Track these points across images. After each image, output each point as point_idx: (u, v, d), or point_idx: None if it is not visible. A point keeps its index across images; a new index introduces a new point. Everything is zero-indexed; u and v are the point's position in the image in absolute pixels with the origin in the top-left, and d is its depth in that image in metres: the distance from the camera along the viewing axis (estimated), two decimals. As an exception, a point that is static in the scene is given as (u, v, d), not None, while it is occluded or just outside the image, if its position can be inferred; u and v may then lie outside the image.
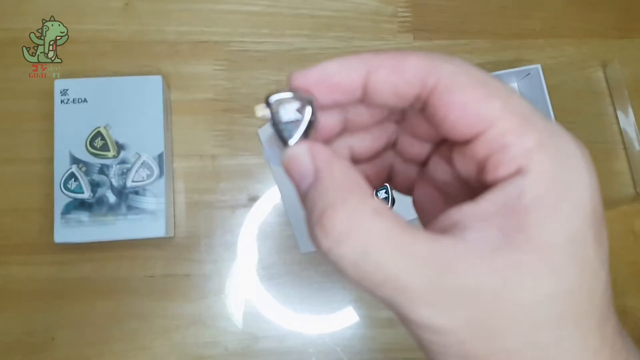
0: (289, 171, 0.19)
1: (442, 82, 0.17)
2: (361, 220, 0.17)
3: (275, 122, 0.18)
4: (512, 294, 0.16)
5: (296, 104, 0.18)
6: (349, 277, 0.17)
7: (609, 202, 0.55)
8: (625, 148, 0.56)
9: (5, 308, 0.49)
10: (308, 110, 0.18)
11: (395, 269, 0.16)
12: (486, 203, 0.17)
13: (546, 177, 0.16)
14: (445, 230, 0.17)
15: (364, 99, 0.19)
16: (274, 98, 0.18)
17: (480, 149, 0.17)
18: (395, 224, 0.17)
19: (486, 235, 0.16)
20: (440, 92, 0.17)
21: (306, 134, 0.19)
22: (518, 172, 0.17)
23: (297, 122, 0.18)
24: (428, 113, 0.18)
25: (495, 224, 0.16)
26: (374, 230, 0.16)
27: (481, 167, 0.18)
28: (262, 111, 0.18)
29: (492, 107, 0.17)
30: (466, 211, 0.17)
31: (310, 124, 0.19)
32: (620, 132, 0.56)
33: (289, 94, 0.19)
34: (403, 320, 0.17)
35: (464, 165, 0.19)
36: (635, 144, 0.54)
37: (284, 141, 0.19)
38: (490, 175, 0.17)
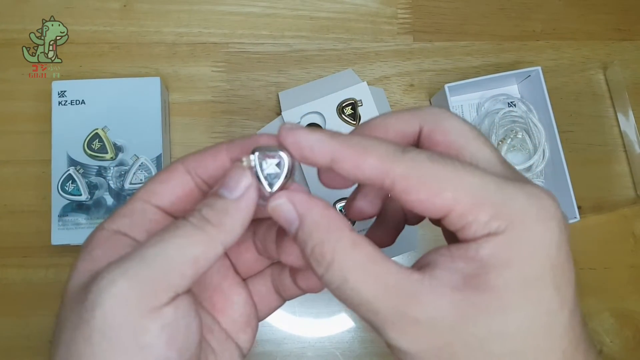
0: (276, 219, 0.21)
1: (397, 185, 0.20)
2: (341, 252, 0.20)
3: (257, 173, 0.21)
4: (469, 328, 0.19)
5: (276, 160, 0.21)
6: (336, 298, 0.20)
7: (609, 204, 0.55)
8: (625, 150, 0.56)
9: (2, 311, 0.49)
10: (286, 167, 0.21)
11: (367, 294, 0.19)
12: (455, 250, 0.20)
13: (501, 238, 0.19)
14: (423, 266, 0.20)
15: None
16: (257, 152, 0.21)
17: (446, 225, 0.20)
18: (370, 255, 0.20)
19: (451, 276, 0.19)
20: (398, 192, 0.20)
21: (283, 186, 0.21)
22: (481, 238, 0.19)
23: (276, 174, 0.21)
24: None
25: (459, 269, 0.19)
26: (351, 261, 0.20)
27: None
28: (247, 162, 0.21)
29: (445, 200, 0.19)
30: (441, 253, 0.20)
31: (287, 178, 0.22)
32: (621, 134, 0.56)
33: (270, 149, 0.21)
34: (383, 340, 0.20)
35: None
36: (636, 146, 0.54)
37: (265, 190, 0.21)
38: (460, 240, 0.20)
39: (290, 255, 0.23)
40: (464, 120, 0.23)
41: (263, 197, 0.22)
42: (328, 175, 0.24)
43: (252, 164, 0.21)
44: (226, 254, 0.27)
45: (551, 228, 0.19)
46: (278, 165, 0.21)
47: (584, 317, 0.21)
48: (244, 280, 0.27)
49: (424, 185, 0.19)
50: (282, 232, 0.24)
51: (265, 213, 0.22)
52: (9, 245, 0.50)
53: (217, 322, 0.25)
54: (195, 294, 0.24)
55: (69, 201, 0.47)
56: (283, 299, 0.27)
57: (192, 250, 0.20)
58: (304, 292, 0.26)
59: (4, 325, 0.49)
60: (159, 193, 0.23)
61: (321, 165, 0.21)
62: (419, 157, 0.20)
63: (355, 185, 0.26)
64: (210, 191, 0.22)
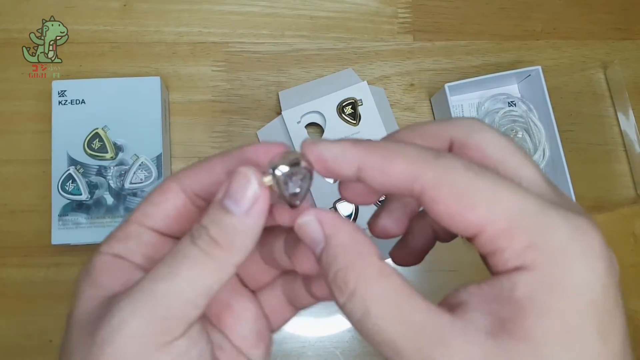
0: (301, 237, 0.20)
1: (426, 193, 0.18)
2: (366, 281, 0.18)
3: (282, 192, 0.20)
4: None
5: (300, 175, 0.20)
6: (358, 331, 0.19)
7: (609, 204, 0.55)
8: (625, 150, 0.56)
9: (2, 310, 0.49)
10: (310, 181, 0.20)
11: (391, 332, 0.17)
12: (488, 288, 0.18)
13: (538, 276, 0.17)
14: (452, 306, 0.18)
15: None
16: (281, 170, 0.19)
17: (476, 245, 0.18)
18: (398, 288, 0.18)
19: (483, 319, 0.17)
20: (428, 202, 0.18)
21: (303, 199, 0.20)
22: (514, 270, 0.17)
23: (300, 188, 0.20)
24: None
25: (493, 311, 0.17)
26: (376, 292, 0.18)
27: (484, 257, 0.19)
28: (270, 181, 0.19)
29: (477, 216, 0.17)
30: (471, 292, 0.18)
31: (307, 191, 0.20)
32: (621, 133, 0.56)
33: (291, 163, 0.20)
34: None
35: None
36: (636, 145, 0.54)
37: (291, 206, 0.20)
38: (492, 269, 0.18)
39: (305, 263, 0.21)
40: (501, 133, 0.21)
41: (284, 203, 0.20)
42: (350, 188, 0.22)
43: (275, 181, 0.20)
44: None
45: (596, 269, 0.17)
46: (302, 179, 0.20)
47: None
48: (254, 292, 0.26)
49: (456, 195, 0.18)
50: (291, 239, 0.22)
51: (271, 221, 0.21)
52: (9, 245, 0.50)
53: (228, 339, 0.24)
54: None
55: (69, 201, 0.47)
56: (297, 308, 0.26)
57: (205, 281, 0.19)
58: (319, 300, 0.24)
59: (4, 324, 0.49)
60: (153, 215, 0.23)
61: (348, 177, 0.20)
62: (454, 163, 0.18)
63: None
64: (213, 200, 0.20)
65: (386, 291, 0.18)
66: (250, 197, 0.19)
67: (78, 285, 0.22)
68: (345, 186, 0.22)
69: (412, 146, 0.19)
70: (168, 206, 0.23)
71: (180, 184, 0.23)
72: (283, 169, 0.19)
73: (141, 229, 0.22)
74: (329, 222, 0.19)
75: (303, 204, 0.20)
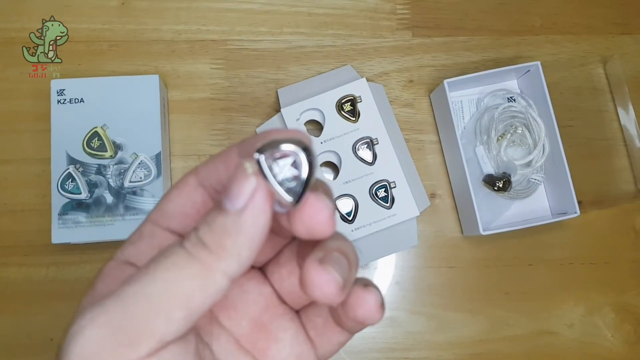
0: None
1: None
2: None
3: (270, 182, 0.16)
4: None
5: (290, 158, 0.16)
6: None
7: (609, 199, 0.55)
8: (625, 145, 0.56)
9: (3, 310, 0.49)
10: (304, 161, 0.16)
11: None
12: None
13: None
14: None
15: None
16: (263, 155, 0.16)
17: None
18: None
19: None
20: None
21: (305, 191, 0.17)
22: None
23: (294, 177, 0.17)
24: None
25: None
26: None
27: None
28: (252, 168, 0.16)
29: None
30: None
31: (308, 180, 0.17)
32: (621, 128, 0.56)
33: (279, 145, 0.16)
34: None
35: None
36: (636, 140, 0.54)
37: (287, 200, 0.17)
38: None
39: (318, 287, 0.17)
40: None
41: (281, 204, 0.17)
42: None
43: (259, 168, 0.16)
44: (268, 280, 0.22)
45: None
46: (294, 165, 0.16)
47: None
48: (297, 312, 0.22)
49: None
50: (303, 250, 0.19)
51: (301, 228, 0.17)
52: (9, 244, 0.50)
53: None
54: (231, 331, 0.21)
55: (68, 199, 0.47)
56: (346, 331, 0.21)
57: (182, 287, 0.16)
58: (360, 322, 0.20)
59: (5, 323, 0.49)
60: (168, 213, 0.20)
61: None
62: None
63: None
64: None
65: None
66: (246, 193, 0.16)
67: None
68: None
69: None
70: (184, 202, 0.20)
71: (199, 178, 0.20)
72: (265, 149, 0.16)
73: (155, 229, 0.20)
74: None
75: (311, 199, 0.17)
